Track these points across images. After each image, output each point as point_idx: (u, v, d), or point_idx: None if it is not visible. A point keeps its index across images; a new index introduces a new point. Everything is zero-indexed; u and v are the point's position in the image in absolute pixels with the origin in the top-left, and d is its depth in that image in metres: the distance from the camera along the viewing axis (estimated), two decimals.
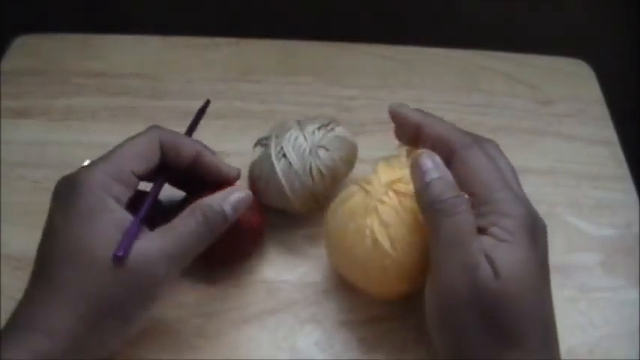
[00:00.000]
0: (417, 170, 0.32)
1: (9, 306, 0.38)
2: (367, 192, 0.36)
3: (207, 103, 0.42)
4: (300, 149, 0.40)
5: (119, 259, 0.31)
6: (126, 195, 0.34)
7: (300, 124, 0.41)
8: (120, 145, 0.35)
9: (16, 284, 0.39)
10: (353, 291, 0.40)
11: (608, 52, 0.58)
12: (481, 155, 0.32)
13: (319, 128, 0.41)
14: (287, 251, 0.42)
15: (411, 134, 0.35)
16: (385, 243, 0.35)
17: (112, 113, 0.50)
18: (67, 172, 0.45)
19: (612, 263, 0.43)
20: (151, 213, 0.35)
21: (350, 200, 0.37)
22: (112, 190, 0.33)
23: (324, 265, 0.41)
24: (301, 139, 0.40)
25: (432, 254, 0.32)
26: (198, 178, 0.38)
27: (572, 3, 0.60)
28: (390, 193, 0.36)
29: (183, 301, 0.39)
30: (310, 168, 0.40)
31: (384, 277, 0.36)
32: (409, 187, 0.34)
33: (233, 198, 0.35)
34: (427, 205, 0.32)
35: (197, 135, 0.49)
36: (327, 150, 0.40)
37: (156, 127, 0.37)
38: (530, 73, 0.55)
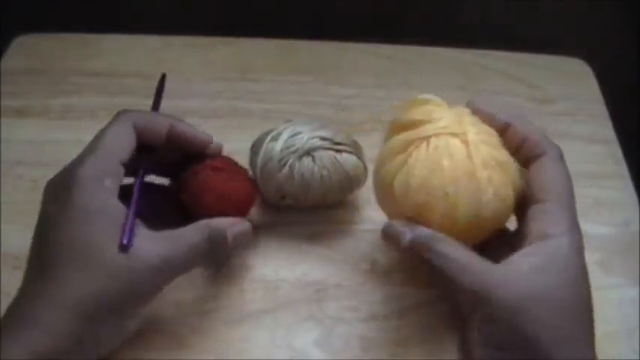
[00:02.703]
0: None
1: (6, 304, 0.38)
2: (457, 135, 0.34)
3: (163, 77, 0.42)
4: (292, 143, 0.39)
5: (125, 248, 0.31)
6: (117, 186, 0.34)
7: (322, 127, 0.41)
8: (99, 137, 0.35)
9: (15, 283, 0.39)
10: (353, 289, 0.40)
11: (607, 52, 0.58)
12: (564, 169, 0.34)
13: (327, 140, 0.40)
14: (286, 249, 0.42)
15: (497, 129, 0.35)
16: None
17: (111, 112, 0.49)
18: None
19: (611, 262, 0.43)
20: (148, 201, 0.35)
21: (449, 154, 0.33)
22: (105, 183, 0.33)
23: (324, 263, 0.42)
24: (302, 136, 0.40)
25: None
26: (179, 152, 0.38)
27: (572, 3, 0.60)
28: (474, 128, 0.34)
29: (181, 299, 0.39)
30: (285, 162, 0.39)
31: (510, 203, 0.34)
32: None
33: (237, 228, 0.36)
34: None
35: None
36: (314, 161, 0.39)
37: (125, 111, 0.37)
38: (530, 72, 0.55)
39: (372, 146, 0.41)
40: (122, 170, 0.35)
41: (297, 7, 0.60)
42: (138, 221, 0.33)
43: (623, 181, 0.48)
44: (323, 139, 0.40)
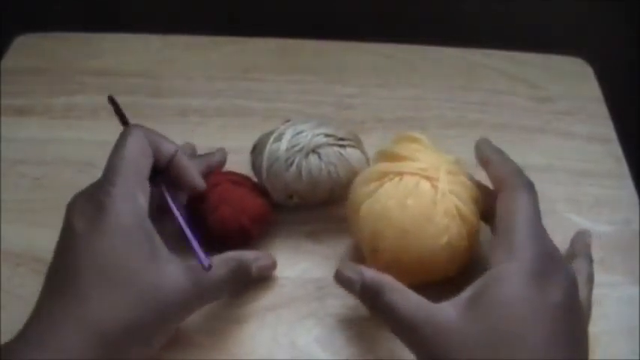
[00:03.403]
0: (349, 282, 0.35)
1: (8, 302, 0.38)
2: (430, 179, 0.36)
3: (111, 99, 0.40)
4: (297, 141, 0.39)
5: (208, 268, 0.32)
6: (147, 202, 0.33)
7: (322, 124, 0.41)
8: (121, 153, 0.34)
9: (16, 280, 0.40)
10: None
11: (607, 52, 0.58)
12: (522, 198, 0.34)
13: (331, 136, 0.40)
14: (288, 247, 0.42)
15: (483, 163, 0.38)
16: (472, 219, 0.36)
17: (112, 112, 0.50)
18: (67, 169, 0.46)
19: (611, 260, 0.43)
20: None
21: (416, 194, 0.36)
22: (138, 201, 0.32)
23: (325, 261, 0.41)
24: (306, 134, 0.40)
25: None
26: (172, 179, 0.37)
27: (572, 3, 0.60)
28: (449, 176, 0.36)
29: None
30: (292, 162, 0.39)
31: (463, 253, 0.36)
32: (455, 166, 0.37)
33: (262, 262, 0.38)
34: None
35: (197, 134, 0.49)
36: (320, 158, 0.39)
37: (136, 125, 0.36)
38: (530, 71, 0.55)
39: (373, 145, 0.41)
40: (148, 186, 0.34)
41: (298, 6, 0.60)
42: (166, 248, 0.33)
43: (624, 180, 0.48)
44: (327, 135, 0.40)
